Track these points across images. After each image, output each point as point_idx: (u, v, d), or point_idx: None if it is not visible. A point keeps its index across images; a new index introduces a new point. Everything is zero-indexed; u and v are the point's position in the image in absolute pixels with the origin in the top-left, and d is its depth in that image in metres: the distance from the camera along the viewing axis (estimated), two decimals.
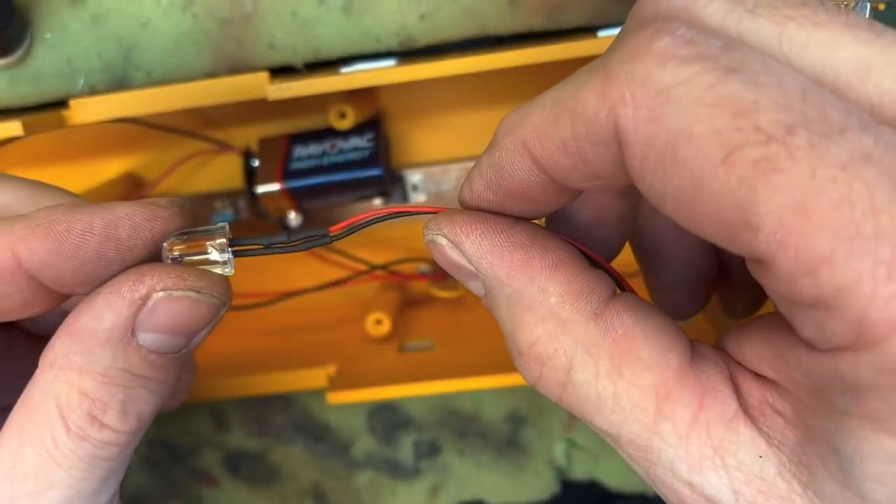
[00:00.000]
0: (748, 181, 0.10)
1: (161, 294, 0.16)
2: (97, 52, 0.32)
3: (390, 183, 0.35)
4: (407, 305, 0.38)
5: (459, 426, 0.39)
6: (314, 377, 0.33)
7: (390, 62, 0.29)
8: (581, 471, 0.39)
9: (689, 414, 0.13)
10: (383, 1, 0.30)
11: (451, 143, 0.36)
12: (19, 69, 0.32)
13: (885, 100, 0.12)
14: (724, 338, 0.15)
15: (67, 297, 0.18)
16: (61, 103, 0.31)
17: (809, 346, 0.12)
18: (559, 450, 0.39)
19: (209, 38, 0.31)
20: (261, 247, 0.18)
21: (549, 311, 0.14)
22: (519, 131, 0.14)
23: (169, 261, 0.18)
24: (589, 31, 0.29)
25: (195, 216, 0.19)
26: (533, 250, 0.15)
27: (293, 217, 0.36)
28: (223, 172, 0.37)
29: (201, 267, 0.18)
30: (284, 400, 0.39)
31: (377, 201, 0.36)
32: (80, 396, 0.16)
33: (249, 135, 0.36)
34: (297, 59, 0.31)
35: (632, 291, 0.16)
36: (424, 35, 0.31)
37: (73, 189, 0.34)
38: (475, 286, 0.16)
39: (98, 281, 0.17)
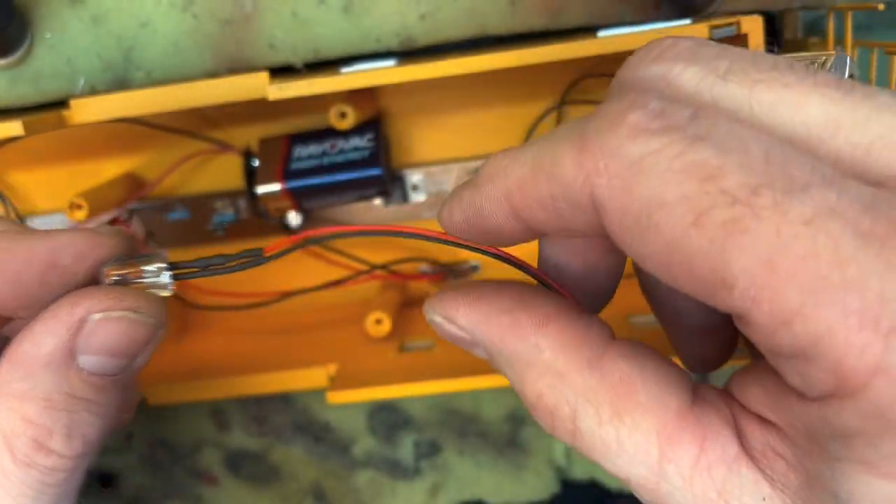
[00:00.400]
0: (718, 242, 0.11)
1: (98, 316, 0.17)
2: (97, 52, 0.32)
3: (390, 183, 0.35)
4: (407, 305, 0.38)
5: (459, 426, 0.39)
6: (314, 377, 0.33)
7: (390, 62, 0.29)
8: (581, 470, 0.39)
9: (690, 456, 0.14)
10: (383, 1, 0.30)
11: (451, 143, 0.36)
12: (19, 69, 0.32)
13: (857, 153, 0.12)
14: (729, 381, 0.15)
15: (9, 320, 0.18)
16: (61, 103, 0.31)
17: (799, 394, 0.12)
18: (559, 449, 0.39)
19: (209, 38, 0.31)
20: (197, 269, 0.19)
21: (546, 366, 0.15)
22: (501, 181, 0.14)
23: (107, 284, 0.18)
24: (589, 31, 0.29)
25: (137, 245, 0.19)
26: (519, 312, 0.15)
27: (293, 217, 0.36)
28: (223, 172, 0.37)
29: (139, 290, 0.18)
30: (284, 399, 0.39)
31: (377, 201, 0.36)
32: (25, 423, 0.16)
33: (249, 135, 0.36)
34: (298, 59, 0.31)
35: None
36: (424, 35, 0.31)
37: (73, 189, 0.34)
38: (479, 353, 0.17)
39: (41, 306, 0.17)
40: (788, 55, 0.16)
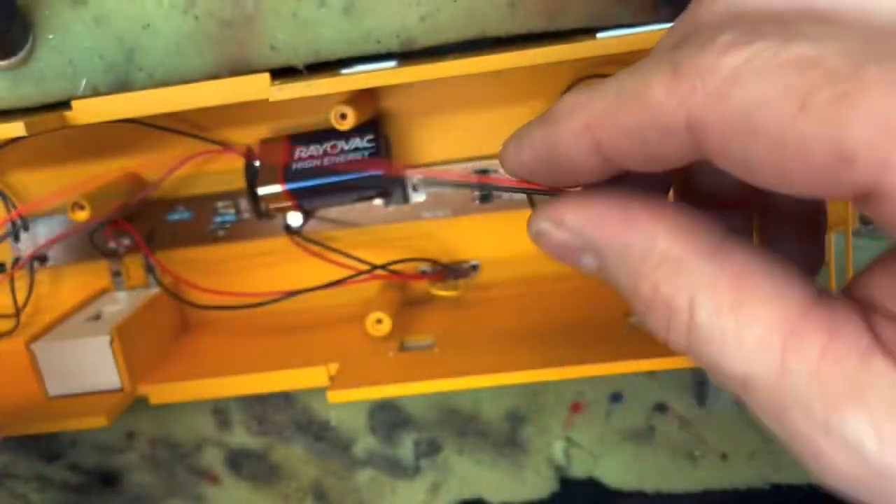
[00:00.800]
0: (830, 119, 0.11)
1: None
2: (99, 53, 0.32)
3: (391, 183, 0.35)
4: (407, 305, 0.38)
5: (459, 425, 0.39)
6: (315, 376, 0.33)
7: (391, 63, 0.29)
8: (580, 469, 0.39)
9: (818, 347, 0.13)
10: (384, 2, 0.30)
11: (451, 144, 0.36)
12: (22, 70, 0.32)
13: None
14: (852, 281, 0.14)
15: None
16: (63, 104, 0.31)
17: None
18: (558, 448, 0.39)
19: (210, 39, 0.31)
20: None
21: (662, 255, 0.14)
22: (581, 114, 0.14)
23: None
24: (588, 32, 0.30)
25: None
26: (632, 205, 0.15)
27: (294, 217, 0.36)
28: (225, 173, 0.37)
29: None
30: (285, 398, 0.39)
31: (377, 201, 0.37)
32: None
33: (250, 135, 0.36)
34: (298, 61, 0.31)
35: None
36: (424, 36, 0.31)
37: (75, 189, 0.34)
38: (587, 262, 0.16)
39: None
40: None
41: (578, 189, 0.17)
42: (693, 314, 0.14)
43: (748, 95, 0.12)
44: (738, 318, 0.13)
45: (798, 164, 0.11)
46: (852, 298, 0.14)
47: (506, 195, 0.37)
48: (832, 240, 0.32)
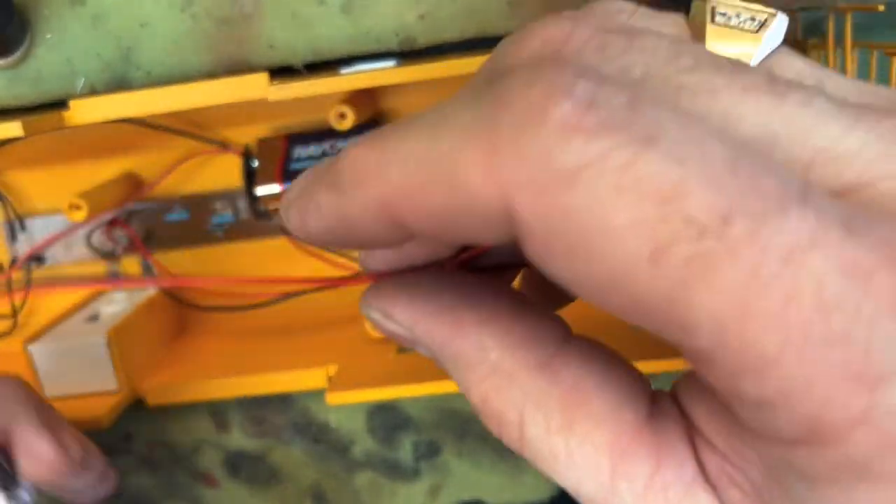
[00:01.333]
0: (681, 282, 0.09)
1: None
2: (97, 52, 0.32)
3: None
4: None
5: (459, 427, 0.39)
6: (314, 377, 0.33)
7: (390, 63, 0.29)
8: None
9: (645, 475, 0.12)
10: (383, 1, 0.30)
11: None
12: (19, 69, 0.32)
13: (795, 168, 0.11)
14: (674, 387, 0.14)
15: None
16: (61, 103, 0.31)
17: (756, 433, 0.11)
18: None
19: (209, 38, 0.31)
20: None
21: (492, 367, 0.14)
22: (374, 187, 0.11)
23: None
24: None
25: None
26: (461, 309, 0.14)
27: None
28: (223, 173, 0.37)
29: None
30: (284, 400, 0.39)
31: None
32: None
33: (249, 135, 0.36)
34: (297, 60, 0.31)
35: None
36: (424, 35, 0.31)
37: (72, 189, 0.34)
38: (421, 350, 0.15)
39: None
40: (713, 24, 0.13)
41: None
42: (523, 430, 0.13)
43: (589, 217, 0.09)
44: (568, 438, 0.13)
45: (633, 308, 0.10)
46: (679, 411, 0.13)
47: None
48: None
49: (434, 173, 0.11)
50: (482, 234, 0.11)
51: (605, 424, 0.13)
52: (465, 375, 0.14)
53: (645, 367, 0.29)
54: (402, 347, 0.34)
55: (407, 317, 0.15)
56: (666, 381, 0.41)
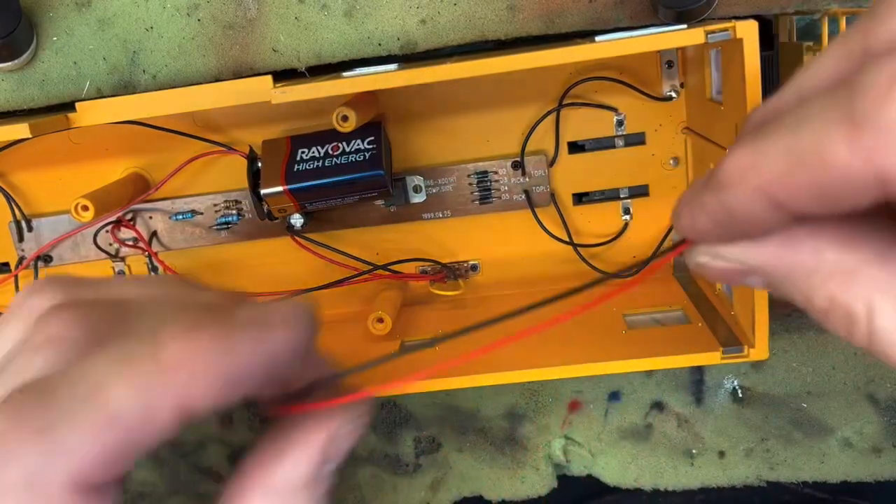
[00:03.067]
0: None
1: (342, 431, 0.18)
2: (103, 55, 0.32)
3: (392, 184, 0.35)
4: (407, 304, 0.38)
5: (459, 423, 0.40)
6: None
7: (392, 66, 0.29)
8: (579, 467, 0.40)
9: None
10: (385, 6, 0.31)
11: (451, 146, 0.37)
12: (26, 72, 0.33)
13: None
14: None
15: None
16: (68, 106, 0.31)
17: None
18: (557, 446, 0.40)
19: (213, 42, 0.32)
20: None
21: (832, 268, 0.15)
22: (753, 178, 0.14)
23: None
24: (587, 35, 0.30)
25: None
26: (789, 229, 0.15)
27: (296, 218, 0.36)
28: (227, 174, 0.37)
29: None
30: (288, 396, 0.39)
31: (379, 202, 0.37)
32: None
33: (253, 137, 0.36)
34: (300, 63, 0.32)
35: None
36: (425, 39, 0.31)
37: (79, 190, 0.34)
38: (754, 282, 0.16)
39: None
40: None
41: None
42: (872, 320, 0.14)
43: None
44: None
45: None
46: None
47: (505, 196, 0.37)
48: None
49: (805, 158, 0.13)
50: (852, 200, 0.13)
51: None
52: (807, 283, 0.15)
53: (643, 365, 0.30)
54: (403, 345, 0.35)
55: (738, 250, 0.16)
56: (664, 380, 0.41)
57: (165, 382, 0.14)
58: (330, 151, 0.34)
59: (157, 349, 0.15)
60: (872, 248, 0.14)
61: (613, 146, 0.36)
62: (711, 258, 0.17)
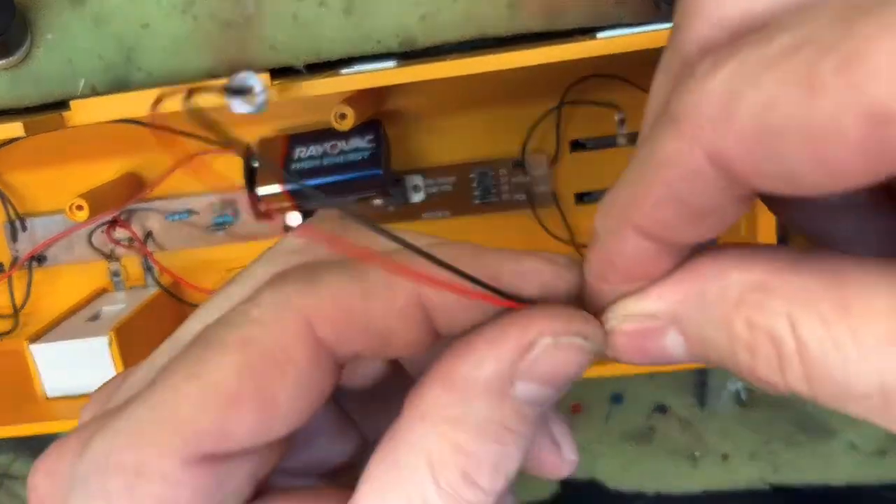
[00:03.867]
0: (844, 88, 0.10)
1: (548, 340, 0.15)
2: (98, 52, 0.32)
3: (390, 183, 0.35)
4: None
5: None
6: None
7: (390, 63, 0.29)
8: (581, 470, 0.39)
9: None
10: (383, 3, 0.30)
11: (451, 144, 0.36)
12: (20, 70, 0.32)
13: None
14: None
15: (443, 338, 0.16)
16: (62, 104, 0.31)
17: None
18: None
19: (210, 39, 0.31)
20: None
21: (740, 286, 0.13)
22: (616, 220, 0.14)
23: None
24: (588, 32, 0.30)
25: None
26: (687, 263, 0.14)
27: (293, 217, 0.36)
28: (224, 173, 0.37)
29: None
30: None
31: (377, 202, 0.36)
32: (455, 453, 0.14)
33: (250, 135, 0.36)
34: (298, 61, 0.31)
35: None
36: (424, 37, 0.31)
37: (74, 189, 0.34)
38: (672, 341, 0.15)
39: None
40: None
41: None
42: (798, 336, 0.12)
43: (751, 104, 0.11)
44: (850, 322, 0.12)
45: (836, 148, 0.10)
46: None
47: (505, 195, 0.37)
48: None
49: (644, 171, 0.13)
50: (703, 198, 0.12)
51: (882, 294, 0.12)
52: (719, 312, 0.13)
53: (645, 367, 0.30)
54: None
55: (641, 302, 0.14)
56: (666, 382, 0.41)
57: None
58: (328, 150, 0.34)
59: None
60: (777, 259, 0.13)
61: (616, 145, 0.36)
62: (619, 321, 0.15)
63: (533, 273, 0.16)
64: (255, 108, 0.17)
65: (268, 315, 0.15)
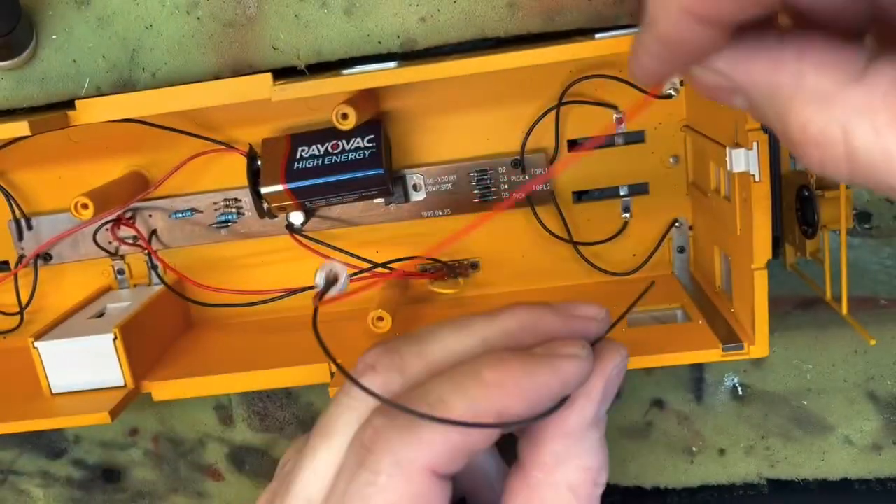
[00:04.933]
0: None
1: (615, 372, 0.21)
2: (103, 53, 0.32)
3: (391, 182, 0.35)
4: (408, 302, 0.38)
5: None
6: (317, 372, 0.33)
7: (391, 64, 0.29)
8: None
9: None
10: (384, 4, 0.31)
11: (451, 143, 0.37)
12: (26, 70, 0.33)
13: None
14: None
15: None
16: (67, 104, 0.32)
17: None
18: None
19: (213, 39, 0.32)
20: None
21: (811, 91, 0.15)
22: (673, 3, 0.15)
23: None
24: (587, 33, 0.30)
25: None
26: (776, 46, 0.16)
27: (296, 216, 0.36)
28: (227, 172, 0.37)
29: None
30: (287, 395, 0.39)
31: (378, 200, 0.37)
32: (585, 472, 0.20)
33: (253, 135, 0.36)
34: (300, 61, 0.32)
35: None
36: (425, 37, 0.31)
37: (79, 188, 0.34)
38: (738, 102, 0.17)
39: None
40: None
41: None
42: (850, 142, 0.14)
43: None
44: None
45: None
46: None
47: (505, 194, 0.37)
48: (827, 238, 0.32)
49: None
50: None
51: None
52: (785, 106, 0.15)
53: (643, 363, 0.30)
54: None
55: (727, 63, 0.16)
56: (664, 378, 0.41)
57: (488, 396, 0.18)
58: (330, 149, 0.34)
59: (479, 374, 0.19)
60: (849, 69, 0.15)
61: (613, 144, 0.36)
62: (702, 70, 0.17)
63: (592, 315, 0.22)
64: (340, 290, 0.23)
65: (396, 480, 0.18)
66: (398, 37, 0.31)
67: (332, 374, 0.33)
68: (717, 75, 0.17)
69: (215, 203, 0.38)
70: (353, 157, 0.34)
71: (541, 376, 0.19)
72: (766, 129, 0.26)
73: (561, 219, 0.37)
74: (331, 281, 0.23)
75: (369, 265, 0.37)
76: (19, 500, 0.42)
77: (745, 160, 0.27)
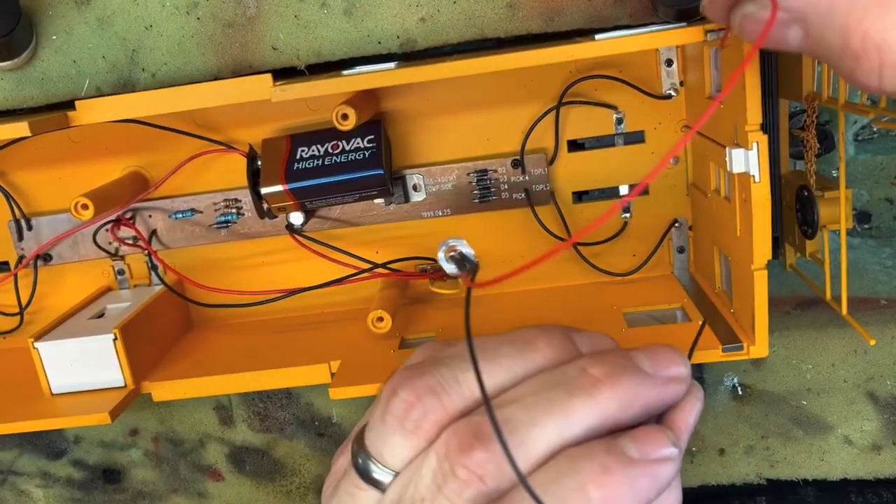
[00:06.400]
0: None
1: (693, 414, 0.23)
2: (103, 53, 0.32)
3: (391, 183, 0.35)
4: (407, 302, 0.39)
5: None
6: (317, 373, 0.33)
7: (391, 65, 0.29)
8: None
9: None
10: (384, 4, 0.31)
11: (451, 144, 0.37)
12: (26, 71, 0.33)
13: None
14: None
15: None
16: (67, 104, 0.31)
17: None
18: None
19: (213, 40, 0.32)
20: None
21: (868, 1, 0.16)
22: None
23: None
24: (587, 33, 0.30)
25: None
26: None
27: (296, 216, 0.36)
28: (227, 172, 0.37)
29: None
30: (288, 395, 0.39)
31: (378, 201, 0.37)
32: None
33: (253, 135, 0.36)
34: (300, 62, 0.32)
35: None
36: (424, 38, 0.31)
37: (79, 189, 0.34)
38: (793, 35, 0.18)
39: None
40: None
41: None
42: None
43: None
44: None
45: None
46: None
47: (504, 194, 0.37)
48: (827, 238, 0.32)
49: None
50: None
51: None
52: (843, 21, 0.16)
53: None
54: (403, 342, 0.35)
55: None
56: None
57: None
58: (330, 150, 0.34)
59: (586, 493, 0.19)
60: None
61: (613, 144, 0.36)
62: (758, 7, 0.18)
63: (682, 377, 0.23)
64: (474, 264, 0.24)
65: None
66: (398, 37, 0.31)
67: (333, 375, 0.33)
68: (770, 9, 0.17)
69: (215, 203, 0.38)
70: (353, 158, 0.34)
71: (642, 490, 0.19)
72: (765, 130, 0.26)
73: (561, 219, 0.37)
74: (459, 260, 0.23)
75: (369, 265, 0.37)
76: (19, 501, 0.42)
77: (745, 161, 0.27)
